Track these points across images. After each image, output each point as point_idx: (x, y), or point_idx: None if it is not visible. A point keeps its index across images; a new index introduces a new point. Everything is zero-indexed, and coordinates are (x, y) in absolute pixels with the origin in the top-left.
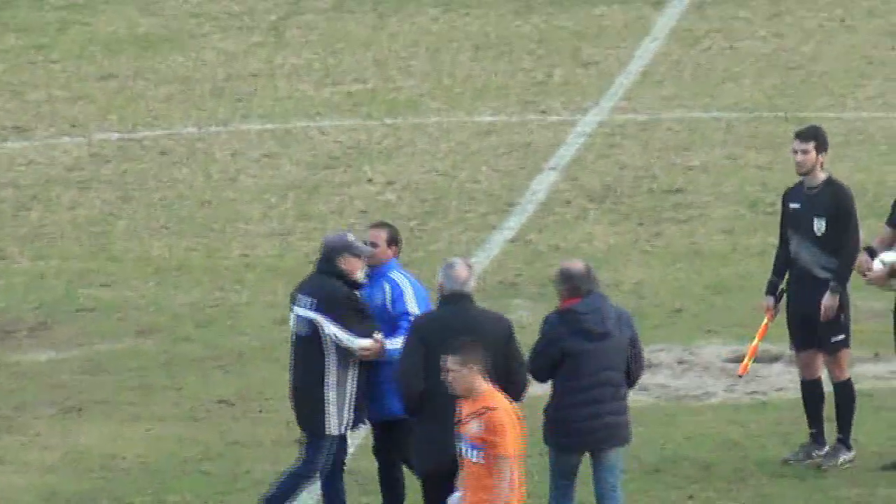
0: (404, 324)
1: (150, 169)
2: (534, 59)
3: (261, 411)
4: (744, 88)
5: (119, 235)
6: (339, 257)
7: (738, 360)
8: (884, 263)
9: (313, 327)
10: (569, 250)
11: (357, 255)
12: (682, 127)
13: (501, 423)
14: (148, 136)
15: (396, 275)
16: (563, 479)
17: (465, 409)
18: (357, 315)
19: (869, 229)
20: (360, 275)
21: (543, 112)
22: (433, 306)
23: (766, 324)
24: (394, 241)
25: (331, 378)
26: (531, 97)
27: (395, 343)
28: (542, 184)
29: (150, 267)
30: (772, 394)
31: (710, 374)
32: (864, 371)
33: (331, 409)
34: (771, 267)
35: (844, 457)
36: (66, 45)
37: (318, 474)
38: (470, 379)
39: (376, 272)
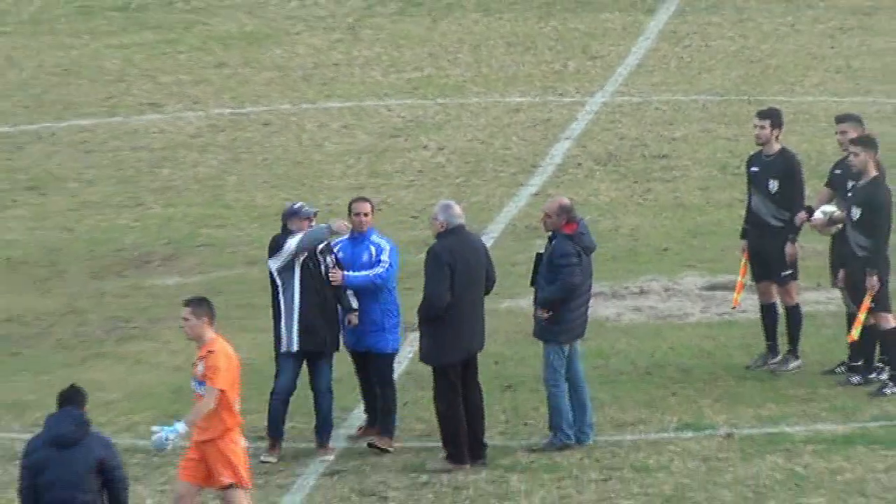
0: (377, 268)
1: (254, 137)
2: (553, 53)
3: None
4: (716, 77)
5: (231, 188)
6: (290, 221)
7: (712, 288)
8: (824, 213)
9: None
10: (580, 202)
11: (304, 218)
12: (667, 107)
13: (217, 363)
14: (253, 112)
15: (377, 238)
16: (562, 368)
17: (196, 353)
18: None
19: (812, 188)
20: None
21: (560, 95)
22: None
23: (745, 263)
24: (372, 210)
25: (280, 307)
26: (550, 83)
27: (352, 274)
28: (559, 150)
29: (254, 213)
30: (737, 314)
31: (689, 299)
32: (809, 297)
33: (281, 331)
34: (738, 217)
35: (794, 364)
36: (190, 40)
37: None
38: (199, 328)
39: (361, 237)
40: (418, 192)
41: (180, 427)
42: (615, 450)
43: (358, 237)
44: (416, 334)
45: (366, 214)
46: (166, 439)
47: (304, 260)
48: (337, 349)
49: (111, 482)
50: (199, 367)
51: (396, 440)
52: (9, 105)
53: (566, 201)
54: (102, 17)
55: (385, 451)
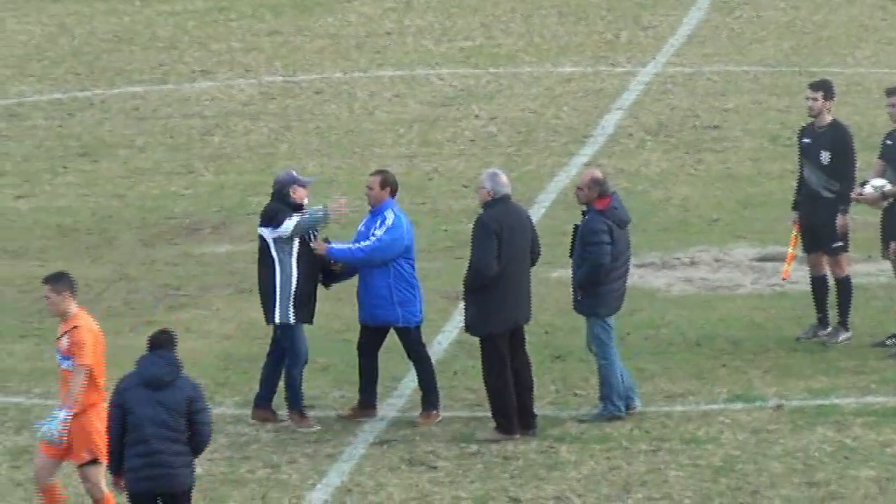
0: (367, 239)
1: (306, 105)
2: (605, 23)
3: None
4: (767, 48)
5: (282, 156)
6: (289, 188)
7: (763, 259)
8: (875, 188)
9: (264, 240)
10: (631, 173)
11: (303, 186)
12: (719, 78)
13: (83, 338)
14: (305, 80)
15: (388, 213)
16: (610, 340)
17: (60, 328)
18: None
19: (864, 160)
20: (305, 200)
21: (612, 65)
22: (412, 230)
23: (796, 234)
24: (386, 184)
25: (276, 277)
26: (602, 53)
27: (336, 246)
28: (611, 121)
29: None
30: (788, 286)
31: (739, 270)
32: (859, 269)
33: (276, 302)
34: (789, 188)
35: (843, 336)
36: (241, 7)
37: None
38: (63, 304)
39: (375, 210)
40: (469, 162)
41: (62, 414)
42: (665, 421)
43: (374, 210)
44: (463, 304)
45: (370, 188)
46: (56, 431)
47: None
48: None
49: (197, 423)
50: (64, 342)
51: (446, 410)
52: (61, 72)
53: (599, 174)
54: None
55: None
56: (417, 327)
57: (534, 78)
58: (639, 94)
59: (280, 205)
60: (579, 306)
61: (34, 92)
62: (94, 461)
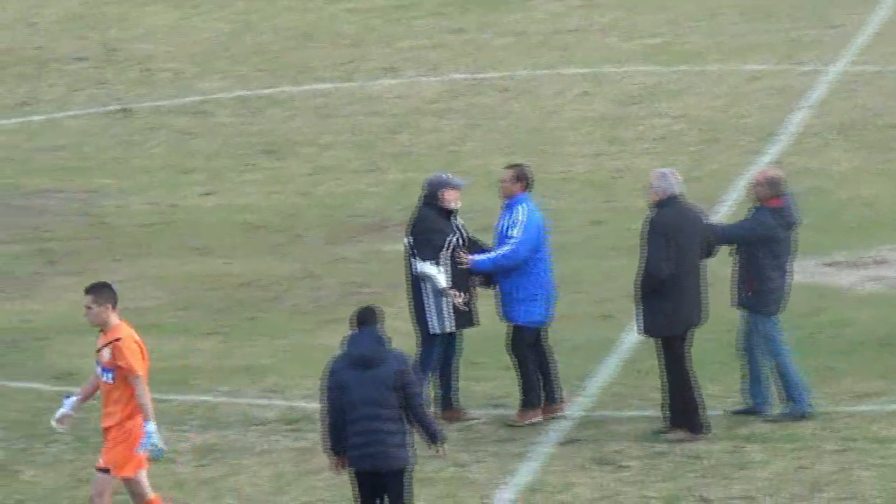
0: (502, 244)
1: (492, 103)
2: (791, 21)
3: (579, 292)
4: None
5: (467, 154)
6: (441, 190)
7: None
8: None
9: (410, 248)
10: (817, 171)
11: (456, 188)
12: None
13: (128, 350)
14: (490, 77)
15: (520, 207)
16: (779, 336)
17: (100, 340)
18: (426, 243)
19: None
20: (457, 204)
21: (798, 63)
22: (545, 229)
23: None
24: (518, 178)
25: (428, 286)
26: (789, 51)
27: (479, 258)
28: (796, 119)
29: (491, 179)
30: None
31: None
32: None
33: (431, 312)
34: None
35: None
36: (427, 5)
37: (430, 368)
38: (103, 315)
39: (507, 205)
40: (656, 160)
41: (148, 427)
42: (852, 420)
43: (507, 203)
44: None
45: (503, 181)
46: (155, 444)
47: (452, 238)
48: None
49: (408, 395)
50: (105, 354)
51: (633, 409)
52: (246, 69)
53: (776, 174)
54: None
55: (516, 426)
56: (534, 329)
57: (720, 76)
58: (825, 93)
59: (430, 216)
60: (745, 301)
61: (220, 89)
62: (107, 470)
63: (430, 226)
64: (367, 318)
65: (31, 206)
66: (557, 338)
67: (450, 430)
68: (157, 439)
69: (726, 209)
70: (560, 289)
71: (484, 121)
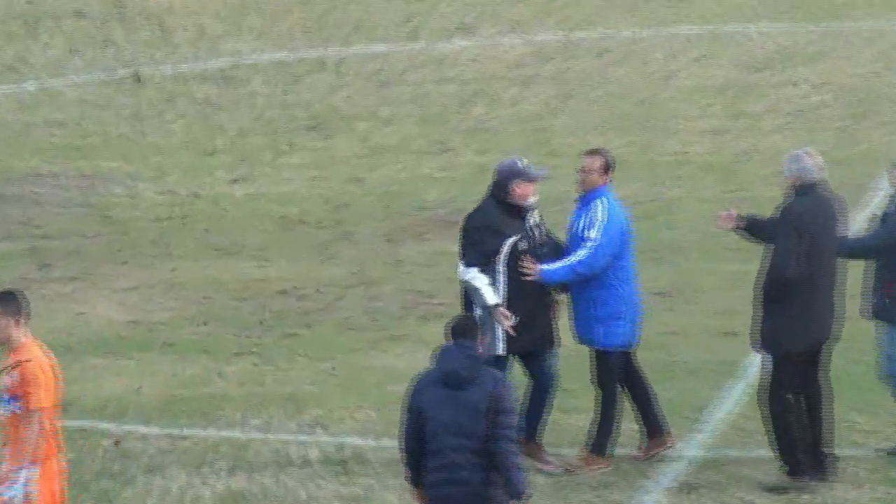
0: (577, 247)
1: (589, 68)
2: None
3: (695, 302)
4: None
5: (558, 130)
6: (513, 182)
7: None
8: None
9: None
10: None
11: (532, 181)
12: None
13: (34, 375)
14: (586, 38)
15: (598, 203)
16: None
17: (2, 361)
18: (473, 244)
19: None
20: (531, 200)
21: None
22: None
23: None
24: (608, 167)
25: (476, 298)
26: None
27: (549, 267)
28: None
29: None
30: None
31: None
32: None
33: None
34: None
35: None
36: None
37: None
38: (6, 331)
39: (585, 198)
40: (791, 138)
41: (23, 476)
42: None
43: (583, 198)
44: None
45: (586, 170)
46: (20, 499)
47: (514, 241)
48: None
49: (496, 428)
50: (6, 379)
51: (762, 446)
52: (285, 26)
53: None
54: None
55: (575, 472)
56: (621, 353)
57: (870, 36)
58: None
59: (490, 211)
60: (884, 311)
61: (252, 51)
62: None
63: (487, 223)
64: (463, 331)
65: (21, 194)
66: (668, 360)
67: (534, 474)
68: (22, 495)
69: (879, 199)
70: (671, 298)
71: (579, 90)
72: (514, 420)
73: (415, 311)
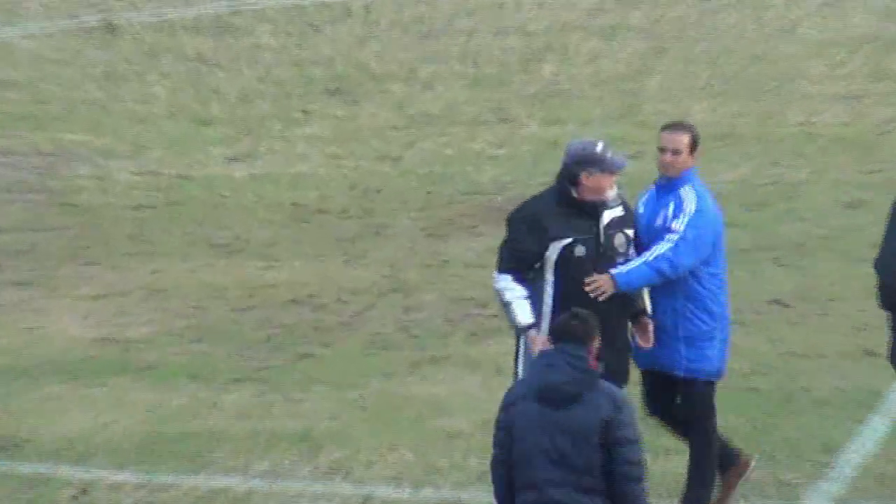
0: (658, 241)
1: (689, 16)
2: None
3: (825, 314)
4: None
5: (650, 95)
6: (584, 171)
7: None
8: None
9: None
10: None
11: (610, 172)
12: None
13: None
14: None
15: (686, 191)
16: None
17: None
18: (510, 247)
19: None
20: (609, 194)
21: None
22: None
23: None
24: (696, 144)
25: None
26: None
27: (626, 271)
28: None
29: None
30: None
31: None
32: None
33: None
34: None
35: None
36: None
37: None
38: None
39: (668, 185)
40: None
41: None
42: None
43: (665, 184)
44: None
45: (674, 152)
46: None
47: (567, 245)
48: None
49: (616, 461)
50: None
51: None
52: None
53: None
54: None
55: None
56: (711, 382)
57: None
58: None
59: (541, 205)
60: None
61: None
62: None
63: (533, 217)
64: (570, 332)
65: None
66: (789, 388)
67: None
68: None
69: None
70: (794, 310)
71: (677, 44)
72: (639, 454)
73: (462, 326)
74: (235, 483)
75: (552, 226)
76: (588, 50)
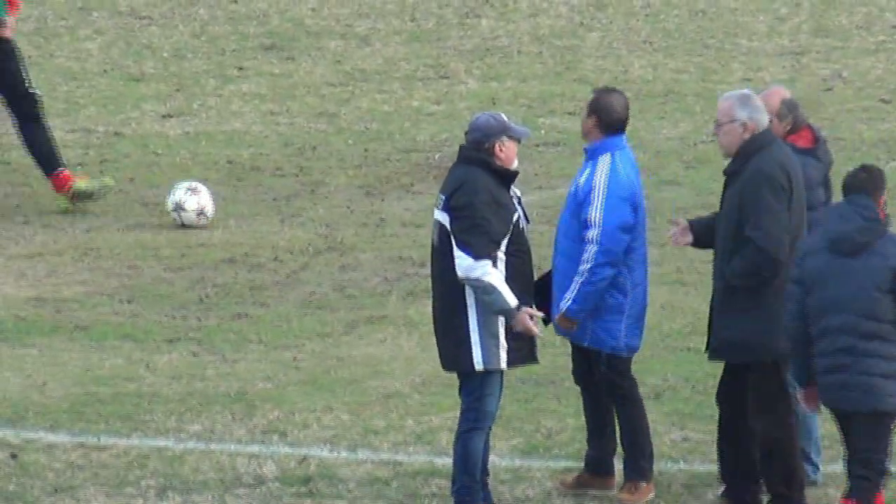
0: (567, 237)
1: None
2: None
3: None
4: None
5: (589, 51)
6: (498, 142)
7: None
8: None
9: (447, 234)
10: None
11: (518, 140)
12: None
13: None
14: None
15: (599, 166)
16: None
17: None
18: (477, 229)
19: None
20: (514, 163)
21: None
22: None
23: None
24: (600, 113)
25: (473, 298)
26: None
27: (564, 304)
28: None
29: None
30: None
31: None
32: None
33: (474, 339)
34: None
35: None
36: None
37: (487, 423)
38: None
39: (588, 151)
40: (887, 61)
41: None
42: None
43: (587, 148)
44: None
45: (583, 121)
46: None
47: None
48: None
49: None
50: None
51: None
52: None
53: None
54: None
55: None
56: (619, 356)
57: None
58: None
59: (481, 181)
60: None
61: None
62: None
63: (488, 198)
64: (860, 184)
65: None
66: None
67: None
68: None
69: None
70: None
71: None
72: None
73: (399, 286)
74: (170, 444)
75: (506, 203)
76: (527, 5)
